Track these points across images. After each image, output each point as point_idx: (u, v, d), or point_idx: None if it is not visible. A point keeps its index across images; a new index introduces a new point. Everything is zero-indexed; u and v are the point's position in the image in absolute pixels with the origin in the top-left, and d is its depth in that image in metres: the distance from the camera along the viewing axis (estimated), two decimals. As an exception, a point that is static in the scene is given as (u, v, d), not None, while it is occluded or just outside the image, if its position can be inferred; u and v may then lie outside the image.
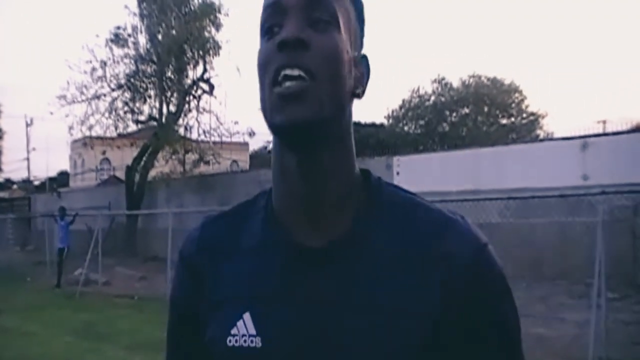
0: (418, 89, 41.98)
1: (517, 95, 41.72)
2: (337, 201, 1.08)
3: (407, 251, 1.06)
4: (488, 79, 41.85)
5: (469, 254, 1.04)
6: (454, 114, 41.26)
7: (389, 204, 1.12)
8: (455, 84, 41.82)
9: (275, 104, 1.01)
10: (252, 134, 29.48)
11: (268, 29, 1.07)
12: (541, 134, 39.39)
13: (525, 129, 40.07)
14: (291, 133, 1.01)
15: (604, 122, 27.33)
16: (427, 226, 1.08)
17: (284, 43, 1.01)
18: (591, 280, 8.59)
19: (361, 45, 1.17)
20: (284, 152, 1.08)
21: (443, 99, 40.95)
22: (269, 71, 1.02)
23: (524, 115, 41.80)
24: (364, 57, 1.16)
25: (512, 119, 41.76)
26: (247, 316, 1.08)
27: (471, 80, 42.01)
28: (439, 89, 41.86)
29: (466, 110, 41.18)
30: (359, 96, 1.12)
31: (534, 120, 41.53)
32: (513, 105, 41.68)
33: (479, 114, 41.17)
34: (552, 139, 18.93)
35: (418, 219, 1.09)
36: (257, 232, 1.14)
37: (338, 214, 1.08)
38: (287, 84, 0.99)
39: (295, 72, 0.99)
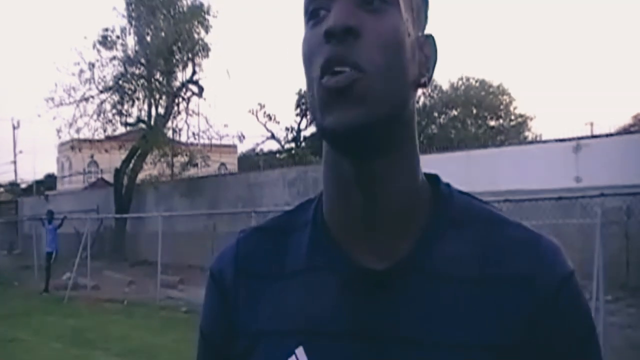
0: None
1: (505, 97, 41.88)
2: (402, 215, 0.92)
3: (483, 274, 0.90)
4: (477, 81, 41.94)
5: (554, 284, 0.88)
6: (443, 116, 41.30)
7: (462, 218, 0.94)
8: (444, 86, 41.88)
9: (324, 100, 0.85)
10: (242, 137, 29.41)
11: (313, 13, 0.90)
12: (529, 136, 39.58)
13: (514, 131, 40.25)
14: (343, 138, 0.85)
15: (592, 124, 27.48)
16: (508, 246, 0.91)
17: (330, 33, 0.84)
18: (586, 283, 8.52)
19: (426, 22, 0.98)
20: (338, 157, 0.91)
21: (432, 101, 40.96)
22: (315, 65, 0.86)
23: (512, 117, 41.96)
24: (430, 37, 0.97)
25: (501, 121, 41.89)
26: (300, 351, 0.91)
27: (460, 82, 42.09)
28: (428, 91, 41.86)
29: (455, 113, 41.25)
30: (425, 85, 0.94)
31: (522, 122, 41.69)
32: (501, 107, 41.82)
33: (468, 116, 41.26)
34: (544, 141, 18.88)
35: (497, 238, 0.92)
36: (305, 250, 0.97)
37: (403, 230, 0.92)
38: (337, 77, 0.84)
39: (346, 69, 0.84)
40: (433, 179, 0.99)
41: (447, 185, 0.99)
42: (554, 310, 0.88)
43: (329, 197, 0.96)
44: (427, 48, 0.95)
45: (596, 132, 18.66)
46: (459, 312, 0.88)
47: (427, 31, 0.98)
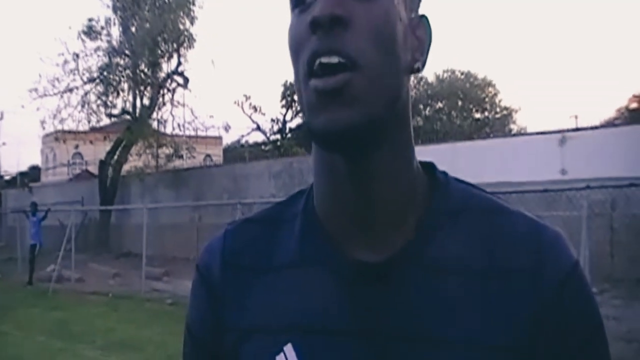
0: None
1: (490, 89, 42.07)
2: (397, 205, 0.87)
3: (484, 267, 0.85)
4: (462, 74, 42.04)
5: (558, 277, 0.84)
6: (428, 109, 41.38)
7: (461, 207, 0.89)
8: (430, 78, 41.95)
9: (312, 102, 0.80)
10: (227, 128, 29.32)
11: (300, 1, 0.84)
12: (514, 128, 39.80)
13: (499, 123, 40.44)
14: (333, 141, 0.80)
15: (576, 117, 27.69)
16: (509, 238, 0.86)
17: (316, 23, 0.78)
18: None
19: (419, 5, 0.91)
20: (329, 153, 0.86)
21: (417, 93, 41.02)
22: (302, 58, 0.81)
23: (497, 109, 42.13)
24: (424, 18, 0.90)
25: (486, 113, 42.05)
26: (288, 349, 0.87)
27: (445, 74, 42.17)
28: (414, 83, 41.91)
29: (440, 105, 41.36)
30: (419, 70, 0.88)
31: (508, 114, 41.87)
32: (486, 99, 42.00)
33: (453, 108, 41.38)
34: (529, 134, 18.96)
35: (498, 228, 0.87)
36: (295, 243, 0.92)
37: (398, 220, 0.87)
38: (326, 77, 0.78)
39: (334, 60, 0.78)
40: (428, 167, 0.94)
41: (444, 173, 0.94)
42: (559, 306, 0.84)
43: (321, 191, 0.91)
44: (421, 30, 0.89)
45: (581, 125, 18.80)
46: (460, 307, 0.84)
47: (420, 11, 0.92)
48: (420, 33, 0.88)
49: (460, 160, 16.36)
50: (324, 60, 0.78)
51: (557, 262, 0.85)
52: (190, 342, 1.00)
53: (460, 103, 41.28)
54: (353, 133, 0.79)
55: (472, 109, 41.77)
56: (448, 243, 0.87)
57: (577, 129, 16.26)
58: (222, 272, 0.95)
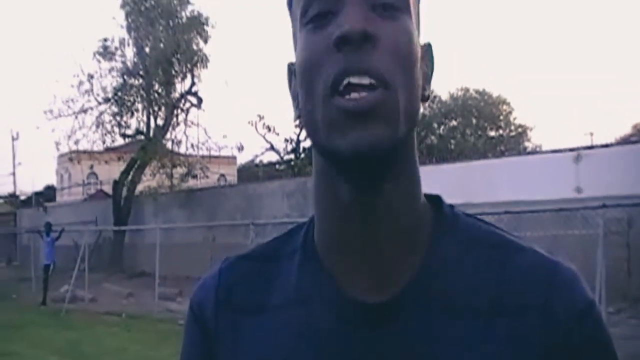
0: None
1: (504, 107, 41.94)
2: (402, 241, 0.82)
3: (492, 307, 0.80)
4: (476, 92, 41.98)
5: (572, 318, 0.79)
6: (442, 127, 41.30)
7: (469, 243, 0.84)
8: (444, 96, 41.90)
9: (335, 122, 0.75)
10: (241, 148, 29.35)
11: (317, 16, 0.79)
12: (529, 146, 39.64)
13: (513, 141, 40.30)
14: (361, 161, 0.75)
15: (592, 134, 27.53)
16: (521, 275, 0.81)
17: (346, 39, 0.74)
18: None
19: (421, 33, 0.87)
20: (337, 181, 0.81)
21: (431, 111, 40.97)
22: (323, 76, 0.76)
23: (512, 127, 41.99)
24: (428, 46, 0.87)
25: (500, 131, 41.92)
26: None
27: (459, 92, 42.10)
28: (428, 101, 41.87)
29: (454, 123, 41.27)
30: (428, 98, 0.85)
31: (522, 132, 41.72)
32: (501, 117, 41.87)
33: (467, 126, 41.28)
34: (544, 152, 18.86)
35: (509, 265, 0.82)
36: (293, 281, 0.87)
37: (403, 257, 0.82)
38: (354, 95, 0.73)
39: (365, 81, 0.73)
40: (435, 200, 0.89)
41: (451, 206, 0.89)
42: (570, 351, 0.78)
43: (322, 223, 0.86)
44: (427, 59, 0.86)
45: (596, 142, 18.69)
46: (466, 349, 0.79)
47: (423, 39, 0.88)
48: (426, 61, 0.86)
49: (474, 179, 16.28)
50: (354, 80, 0.74)
51: (570, 303, 0.79)
52: None
53: (474, 121, 41.20)
54: (382, 155, 0.75)
55: (486, 127, 41.67)
56: (454, 281, 0.82)
57: (592, 147, 16.15)
58: (215, 311, 0.91)
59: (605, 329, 0.81)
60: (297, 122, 0.86)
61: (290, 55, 0.87)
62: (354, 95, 0.74)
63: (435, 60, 0.87)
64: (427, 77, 0.85)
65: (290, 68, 0.88)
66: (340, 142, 0.74)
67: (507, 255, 0.83)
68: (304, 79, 0.79)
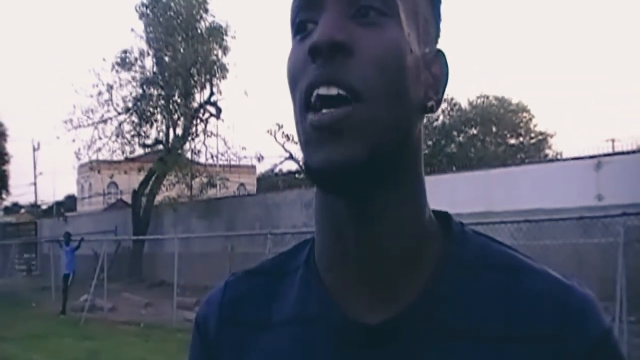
0: (426, 110, 41.82)
1: (524, 114, 41.66)
2: (404, 259, 0.78)
3: (501, 332, 0.76)
4: (496, 99, 41.76)
5: (585, 346, 0.74)
6: (462, 135, 41.12)
7: (478, 263, 0.80)
8: (463, 104, 41.72)
9: (309, 137, 0.72)
10: (260, 158, 29.39)
11: (300, 26, 0.77)
12: (550, 153, 39.36)
13: (534, 149, 40.02)
14: (331, 181, 0.72)
15: (613, 140, 27.20)
16: (532, 300, 0.76)
17: (315, 49, 0.71)
18: (608, 304, 8.33)
19: (437, 37, 0.83)
20: (330, 196, 0.78)
21: (451, 119, 40.80)
22: (300, 88, 0.73)
23: (532, 134, 41.72)
24: (440, 54, 0.82)
25: (521, 139, 41.66)
26: None
27: (479, 100, 41.90)
28: (447, 109, 41.72)
29: (474, 131, 41.06)
30: (432, 109, 0.79)
31: (542, 139, 41.42)
32: (521, 124, 41.61)
33: (487, 134, 41.05)
34: (564, 159, 18.69)
35: (519, 288, 0.78)
36: (294, 298, 0.85)
37: (406, 276, 0.78)
38: (324, 110, 0.70)
39: (333, 91, 0.70)
40: (443, 216, 0.85)
41: (460, 224, 0.85)
42: None
43: (321, 241, 0.83)
44: (437, 67, 0.81)
45: (617, 148, 18.46)
46: None
47: (440, 47, 0.84)
48: (435, 70, 0.80)
49: (494, 187, 16.20)
50: (322, 91, 0.71)
51: (584, 330, 0.75)
52: None
53: (494, 129, 40.96)
54: (352, 172, 0.71)
55: (506, 135, 41.42)
56: (461, 302, 0.78)
57: (613, 154, 15.99)
58: (218, 327, 0.89)
59: (621, 358, 0.76)
60: None
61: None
62: (325, 110, 0.70)
63: (449, 68, 0.82)
64: (433, 86, 0.80)
65: None
66: (312, 159, 0.72)
67: (518, 279, 0.78)
68: (290, 92, 0.77)
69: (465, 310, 0.77)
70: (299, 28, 0.77)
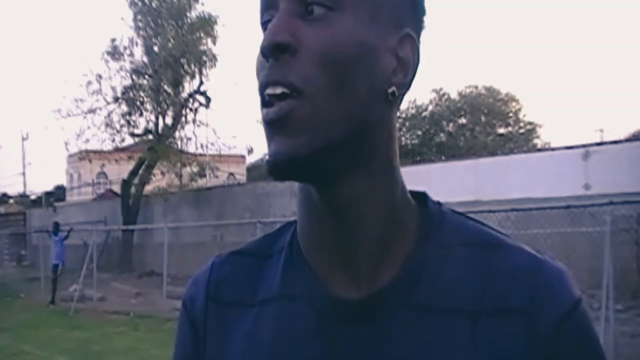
0: (415, 100, 41.91)
1: (513, 104, 41.76)
2: (379, 236, 0.81)
3: (476, 307, 0.79)
4: (485, 89, 41.84)
5: (555, 318, 0.77)
6: (451, 124, 41.21)
7: (454, 241, 0.83)
8: (453, 94, 41.77)
9: (265, 134, 0.77)
10: (250, 150, 29.38)
11: (264, 26, 0.80)
12: (538, 143, 39.49)
13: (523, 139, 40.13)
14: (279, 173, 0.76)
15: (602, 130, 27.36)
16: (506, 275, 0.79)
17: (262, 52, 0.76)
18: (595, 292, 8.40)
19: (411, 19, 0.82)
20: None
21: (440, 109, 40.85)
22: (259, 87, 0.77)
23: (521, 124, 41.84)
24: (408, 37, 0.81)
25: (509, 129, 41.77)
26: None
27: (468, 90, 41.97)
28: (436, 99, 41.75)
29: (463, 121, 41.16)
30: (394, 95, 0.79)
31: (531, 129, 41.54)
32: (510, 114, 41.71)
33: (476, 123, 41.17)
34: (552, 149, 18.78)
35: (494, 265, 0.80)
36: (278, 277, 0.87)
37: (382, 253, 0.81)
38: (271, 107, 0.75)
39: (277, 90, 0.74)
40: (420, 196, 0.87)
41: (438, 203, 0.87)
42: (555, 351, 0.77)
43: (301, 223, 0.86)
44: (406, 50, 0.80)
45: (606, 138, 18.60)
46: (448, 350, 0.77)
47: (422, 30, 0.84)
48: (403, 53, 0.80)
49: (483, 177, 16.26)
50: (269, 91, 0.75)
51: (554, 302, 0.77)
52: None
53: (483, 118, 41.05)
54: (296, 164, 0.75)
55: (495, 125, 41.52)
56: (438, 280, 0.80)
57: (600, 143, 16.08)
58: (205, 306, 0.91)
59: (590, 329, 0.79)
60: None
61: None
62: (271, 108, 0.75)
63: (419, 49, 0.82)
64: (400, 70, 0.80)
65: None
66: (268, 153, 0.76)
67: (493, 255, 0.81)
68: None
69: (441, 286, 0.80)
70: (264, 28, 0.79)
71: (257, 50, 0.78)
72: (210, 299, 0.91)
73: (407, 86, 0.81)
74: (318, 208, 0.81)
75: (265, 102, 0.75)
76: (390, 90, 0.79)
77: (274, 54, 0.74)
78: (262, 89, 0.76)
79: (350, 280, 0.81)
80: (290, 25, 0.75)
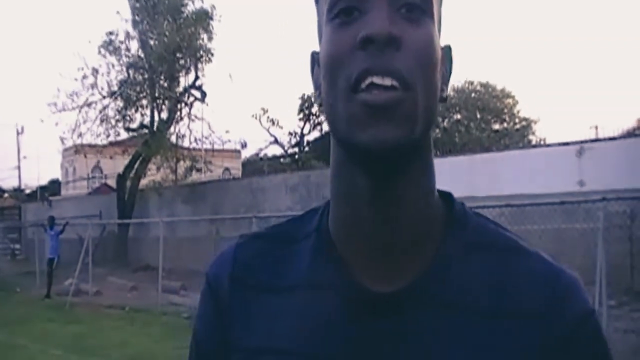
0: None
1: (509, 100, 41.74)
2: (417, 233, 0.85)
3: (494, 307, 0.83)
4: (481, 85, 41.83)
5: (570, 324, 0.82)
6: (446, 120, 41.19)
7: (476, 243, 0.87)
8: (448, 89, 41.72)
9: (356, 116, 0.78)
10: (244, 145, 29.31)
11: (344, 11, 0.81)
12: (534, 139, 39.49)
13: (518, 135, 40.12)
14: (378, 157, 0.78)
15: (596, 127, 27.41)
16: (524, 279, 0.84)
17: (371, 40, 0.77)
18: (588, 288, 8.42)
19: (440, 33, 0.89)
20: (354, 170, 0.83)
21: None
22: (345, 72, 0.79)
23: (516, 120, 41.83)
24: (447, 48, 0.90)
25: (505, 125, 41.76)
26: None
27: (463, 85, 41.94)
28: (445, 101, 41.65)
29: (458, 116, 41.13)
30: (445, 99, 0.87)
31: (527, 125, 41.55)
32: (505, 110, 41.69)
33: (472, 119, 41.13)
34: (546, 145, 18.82)
35: (513, 268, 0.85)
36: (306, 264, 0.90)
37: (413, 249, 0.85)
38: (376, 92, 0.76)
39: (388, 82, 0.76)
40: (447, 196, 0.91)
41: (462, 204, 0.91)
42: (567, 355, 0.81)
43: (338, 214, 0.88)
44: (445, 60, 0.89)
45: (601, 135, 18.62)
46: (466, 346, 0.81)
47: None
48: (445, 64, 0.88)
49: (477, 172, 16.27)
50: (377, 80, 0.77)
51: (570, 309, 0.82)
52: (196, 351, 0.99)
53: (478, 114, 41.04)
54: (399, 152, 0.78)
55: (490, 120, 41.51)
56: (459, 278, 0.85)
57: (595, 140, 16.11)
58: (230, 286, 0.93)
59: (602, 337, 0.84)
60: (319, 107, 0.89)
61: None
62: (375, 92, 0.76)
63: (452, 62, 0.91)
64: (445, 79, 0.87)
65: (314, 57, 0.92)
66: (359, 136, 0.77)
67: (513, 259, 0.86)
68: (327, 73, 0.82)
69: (461, 285, 0.84)
70: (342, 12, 0.81)
71: (334, 31, 0.81)
72: (236, 280, 0.93)
73: (446, 91, 0.88)
74: (363, 200, 0.83)
75: (362, 89, 0.77)
76: (445, 94, 0.87)
77: (383, 46, 0.77)
78: (364, 74, 0.77)
79: (381, 273, 0.84)
80: (396, 20, 0.78)
